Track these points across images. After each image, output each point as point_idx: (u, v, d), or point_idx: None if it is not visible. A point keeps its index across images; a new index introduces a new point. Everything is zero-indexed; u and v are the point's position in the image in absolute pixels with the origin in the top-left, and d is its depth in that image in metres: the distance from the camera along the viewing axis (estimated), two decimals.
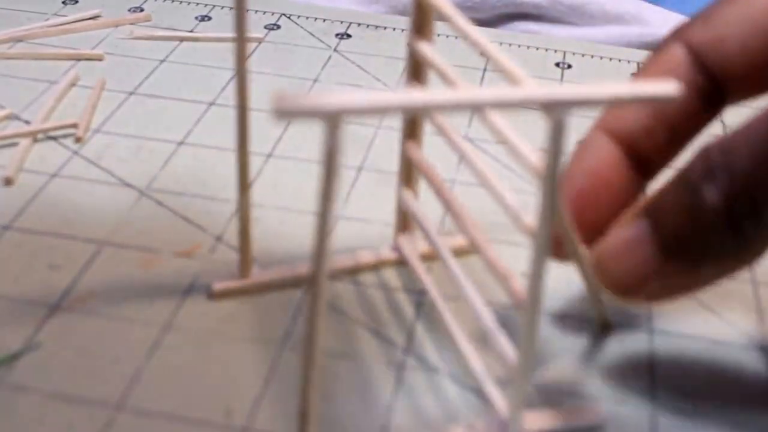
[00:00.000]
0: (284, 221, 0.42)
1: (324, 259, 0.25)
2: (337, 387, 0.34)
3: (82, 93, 0.50)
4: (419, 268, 0.38)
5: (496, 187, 0.30)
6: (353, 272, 0.39)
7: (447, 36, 0.56)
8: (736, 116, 0.32)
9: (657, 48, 0.32)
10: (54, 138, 0.47)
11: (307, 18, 0.60)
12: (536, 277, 0.28)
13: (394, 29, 0.59)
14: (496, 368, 0.33)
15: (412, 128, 0.37)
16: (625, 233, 0.30)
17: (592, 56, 0.57)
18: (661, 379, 0.35)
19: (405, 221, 0.39)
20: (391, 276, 0.39)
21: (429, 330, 0.36)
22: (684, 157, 0.31)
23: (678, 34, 0.32)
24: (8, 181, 0.43)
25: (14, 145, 0.46)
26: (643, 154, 0.32)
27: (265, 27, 0.58)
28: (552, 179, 0.26)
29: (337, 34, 0.58)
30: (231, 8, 0.59)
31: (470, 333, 0.35)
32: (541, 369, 0.35)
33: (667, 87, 0.25)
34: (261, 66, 0.53)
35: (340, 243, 0.40)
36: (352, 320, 0.37)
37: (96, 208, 0.42)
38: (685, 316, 0.38)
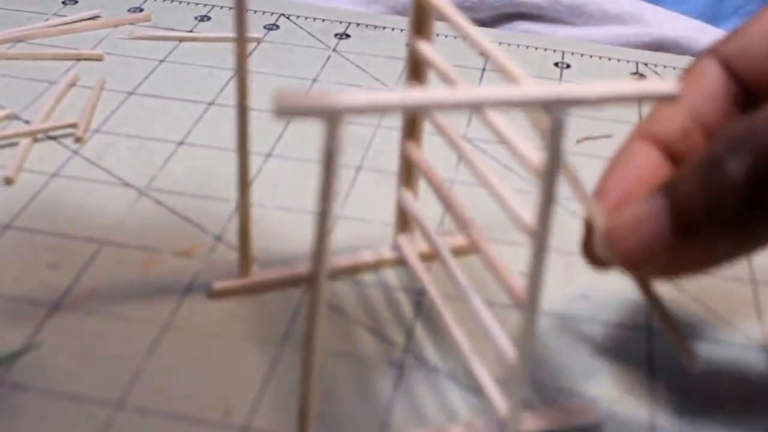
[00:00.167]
0: (284, 221, 0.42)
1: (324, 258, 0.25)
2: (336, 386, 0.34)
3: (82, 93, 0.50)
4: (419, 267, 0.38)
5: (495, 186, 0.30)
6: (353, 272, 0.39)
7: (446, 36, 0.56)
8: None
9: (691, 64, 0.34)
10: (54, 138, 0.47)
11: (306, 18, 0.60)
12: (535, 276, 0.28)
13: (393, 29, 0.59)
14: (496, 368, 0.34)
15: (411, 128, 0.37)
16: (641, 206, 0.30)
17: (591, 56, 0.57)
18: (661, 379, 0.35)
19: (404, 221, 0.39)
20: (390, 275, 0.39)
21: (428, 329, 0.36)
22: None
23: (710, 50, 0.33)
24: (8, 181, 0.43)
25: (14, 145, 0.46)
26: (679, 156, 0.32)
27: (264, 27, 0.58)
28: (551, 178, 0.26)
29: (336, 34, 0.58)
30: (230, 8, 0.59)
31: (469, 332, 0.35)
32: (541, 369, 0.35)
33: (667, 86, 0.25)
34: (260, 66, 0.54)
35: (340, 242, 0.40)
36: (351, 320, 0.37)
37: (96, 207, 0.42)
38: (685, 316, 0.38)
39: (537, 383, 0.34)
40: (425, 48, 0.34)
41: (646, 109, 0.49)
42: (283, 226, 0.42)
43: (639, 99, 0.25)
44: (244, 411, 0.32)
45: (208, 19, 0.59)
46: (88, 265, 0.38)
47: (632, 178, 0.32)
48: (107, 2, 0.60)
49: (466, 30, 0.31)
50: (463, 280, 0.34)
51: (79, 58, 0.53)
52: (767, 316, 0.38)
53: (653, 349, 0.36)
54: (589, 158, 0.44)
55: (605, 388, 0.34)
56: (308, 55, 0.56)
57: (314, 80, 0.53)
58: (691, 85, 0.32)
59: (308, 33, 0.58)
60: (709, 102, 0.32)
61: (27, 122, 0.47)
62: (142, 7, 0.60)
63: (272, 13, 0.60)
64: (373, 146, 0.47)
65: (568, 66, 0.56)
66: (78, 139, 0.46)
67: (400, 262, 0.39)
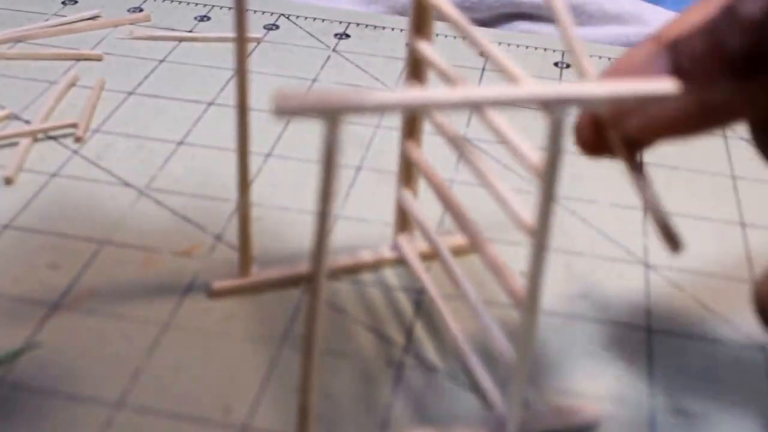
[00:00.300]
0: (284, 221, 0.42)
1: (323, 258, 0.25)
2: (336, 385, 0.34)
3: (82, 93, 0.50)
4: (418, 267, 0.38)
5: (495, 186, 0.30)
6: (352, 271, 0.39)
7: (445, 36, 0.56)
8: None
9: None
10: (54, 138, 0.47)
11: (306, 18, 0.60)
12: (535, 276, 0.28)
13: (392, 29, 0.59)
14: (496, 368, 0.34)
15: (411, 127, 0.37)
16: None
17: (591, 56, 0.57)
18: (661, 379, 0.35)
19: (404, 221, 0.39)
20: (390, 275, 0.39)
21: (428, 329, 0.36)
22: None
23: (651, 35, 0.32)
24: (8, 181, 0.43)
25: (14, 144, 0.46)
26: None
27: (264, 27, 0.58)
28: (551, 178, 0.26)
29: (335, 34, 0.58)
30: (230, 8, 0.59)
31: (469, 332, 0.35)
32: (541, 369, 0.35)
33: (666, 85, 0.25)
34: (260, 66, 0.54)
35: (340, 242, 0.40)
36: (351, 319, 0.37)
37: (96, 207, 0.42)
38: (685, 316, 0.38)
39: (537, 383, 0.34)
40: (425, 48, 0.34)
41: None
42: (283, 226, 0.42)
43: (639, 98, 0.25)
44: (244, 411, 0.32)
45: (208, 19, 0.59)
46: (88, 265, 0.38)
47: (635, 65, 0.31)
48: (107, 2, 0.60)
49: (466, 30, 0.31)
50: (462, 279, 0.34)
51: (78, 58, 0.53)
52: None
53: (653, 349, 0.36)
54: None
55: (605, 388, 0.34)
56: (308, 55, 0.56)
57: (314, 80, 0.53)
58: (627, 65, 0.30)
59: (308, 33, 0.58)
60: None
61: (27, 122, 0.48)
62: (141, 7, 0.60)
63: (272, 13, 0.60)
64: (373, 146, 0.47)
65: (568, 66, 0.56)
66: (78, 139, 0.46)
67: (400, 261, 0.39)
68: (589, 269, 0.40)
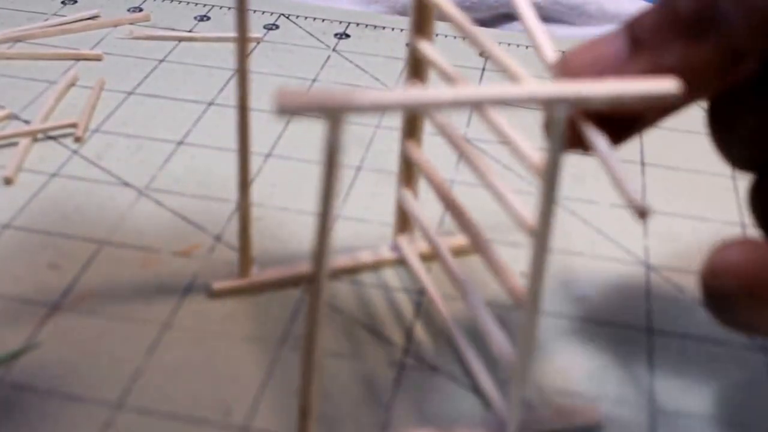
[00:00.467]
0: (284, 221, 0.42)
1: (325, 258, 0.25)
2: (336, 386, 0.34)
3: (82, 93, 0.50)
4: (418, 267, 0.38)
5: (496, 186, 0.30)
6: (352, 272, 0.39)
7: (446, 36, 0.56)
8: None
9: None
10: (53, 138, 0.47)
11: (306, 18, 0.60)
12: (536, 276, 0.28)
13: (392, 29, 0.59)
14: (496, 368, 0.34)
15: (411, 127, 0.37)
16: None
17: None
18: (661, 379, 0.35)
19: (404, 221, 0.39)
20: (390, 276, 0.39)
21: (428, 329, 0.36)
22: None
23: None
24: (8, 181, 0.43)
25: (14, 144, 0.46)
26: None
27: (264, 27, 0.58)
28: (552, 178, 0.26)
29: (335, 34, 0.58)
30: (230, 8, 0.59)
31: (470, 333, 0.35)
32: (541, 369, 0.35)
33: (667, 84, 0.25)
34: (260, 66, 0.53)
35: (340, 242, 0.40)
36: (351, 320, 0.37)
37: (95, 207, 0.42)
38: (685, 316, 0.38)
39: (537, 383, 0.34)
40: (426, 47, 0.34)
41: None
42: (283, 226, 0.41)
43: (640, 97, 0.25)
44: (244, 411, 0.32)
45: (208, 19, 0.59)
46: (87, 265, 0.38)
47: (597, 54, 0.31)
48: (106, 2, 0.59)
49: (467, 29, 0.31)
50: (463, 280, 0.34)
51: (78, 58, 0.53)
52: None
53: (654, 349, 0.36)
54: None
55: (605, 389, 0.34)
56: (308, 54, 0.56)
57: (314, 80, 0.53)
58: (589, 46, 0.31)
59: (308, 33, 0.58)
60: None
61: (27, 122, 0.47)
62: (141, 6, 0.59)
63: (272, 13, 0.60)
64: (373, 146, 0.47)
65: None
66: (77, 139, 0.46)
67: (400, 262, 0.39)
68: (589, 270, 0.40)
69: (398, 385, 0.34)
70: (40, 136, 0.46)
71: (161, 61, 0.54)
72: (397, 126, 0.37)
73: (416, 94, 0.24)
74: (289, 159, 0.46)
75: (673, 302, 0.38)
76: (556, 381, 0.34)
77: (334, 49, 0.56)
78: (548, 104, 0.25)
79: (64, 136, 0.47)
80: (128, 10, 0.59)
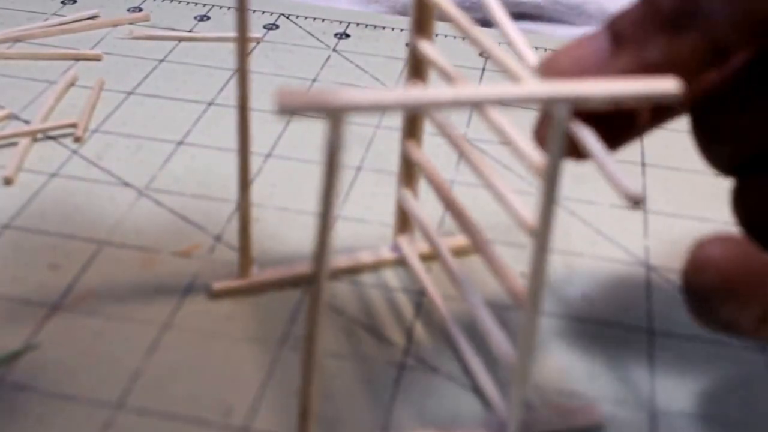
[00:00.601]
0: (284, 221, 0.42)
1: (325, 258, 0.25)
2: (336, 387, 0.34)
3: (81, 93, 0.50)
4: (419, 268, 0.38)
5: (496, 186, 0.30)
6: (352, 272, 0.39)
7: (445, 36, 0.56)
8: None
9: None
10: (53, 138, 0.46)
11: (306, 18, 0.60)
12: (536, 276, 0.28)
13: (392, 29, 0.59)
14: (496, 368, 0.33)
15: (411, 127, 0.37)
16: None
17: None
18: (661, 379, 0.35)
19: (404, 221, 0.39)
20: (390, 276, 0.39)
21: (428, 330, 0.36)
22: None
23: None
24: (8, 181, 0.43)
25: (14, 144, 0.46)
26: None
27: (264, 27, 0.58)
28: (553, 178, 0.26)
29: (335, 34, 0.58)
30: (230, 8, 0.59)
31: (470, 333, 0.35)
32: (541, 369, 0.35)
33: (668, 84, 0.25)
34: (260, 66, 0.53)
35: (340, 243, 0.40)
36: (351, 320, 0.37)
37: (95, 207, 0.42)
38: (685, 316, 0.38)
39: (537, 384, 0.34)
40: (426, 47, 0.34)
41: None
42: (283, 226, 0.41)
43: (641, 97, 0.25)
44: (244, 411, 0.32)
45: (208, 18, 0.59)
46: (87, 265, 0.38)
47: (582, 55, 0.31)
48: (106, 2, 0.59)
49: (467, 29, 0.31)
50: (463, 280, 0.34)
51: (78, 58, 0.53)
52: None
53: (654, 350, 0.36)
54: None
55: (606, 389, 0.34)
56: (308, 54, 0.56)
57: (314, 80, 0.53)
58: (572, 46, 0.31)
59: (308, 33, 0.58)
60: None
61: (26, 122, 0.47)
62: (141, 6, 0.59)
63: (272, 13, 0.60)
64: (373, 146, 0.47)
65: None
66: (77, 139, 0.46)
67: (400, 262, 0.39)
68: (589, 270, 0.40)
69: (398, 385, 0.34)
70: (39, 136, 0.46)
71: (161, 61, 0.54)
72: (398, 126, 0.37)
73: (416, 93, 0.24)
74: (289, 159, 0.46)
75: (673, 302, 0.38)
76: (556, 381, 0.34)
77: (334, 49, 0.56)
78: (549, 104, 0.25)
79: (64, 136, 0.47)
80: (128, 10, 0.59)
